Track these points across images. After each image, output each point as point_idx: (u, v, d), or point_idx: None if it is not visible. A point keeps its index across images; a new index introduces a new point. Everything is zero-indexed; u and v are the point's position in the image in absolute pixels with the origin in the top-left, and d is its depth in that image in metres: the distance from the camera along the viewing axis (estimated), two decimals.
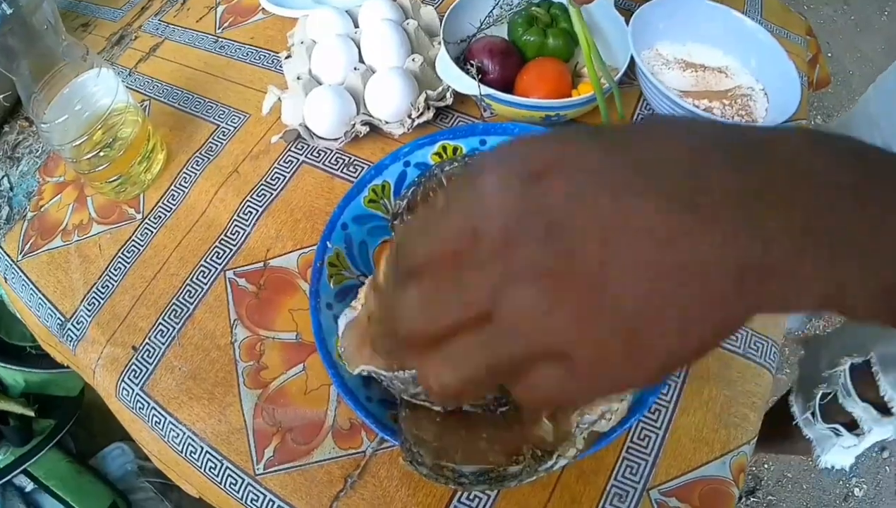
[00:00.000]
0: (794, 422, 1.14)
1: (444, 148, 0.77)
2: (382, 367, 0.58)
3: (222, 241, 0.84)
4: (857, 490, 1.88)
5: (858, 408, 0.98)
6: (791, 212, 0.28)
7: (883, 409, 0.97)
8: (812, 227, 0.28)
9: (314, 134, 0.88)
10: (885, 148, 0.30)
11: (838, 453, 1.07)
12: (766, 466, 1.91)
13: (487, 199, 0.31)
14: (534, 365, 0.31)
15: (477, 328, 0.31)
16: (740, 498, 1.85)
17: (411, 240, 0.35)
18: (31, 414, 1.22)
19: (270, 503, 0.67)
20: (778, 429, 1.30)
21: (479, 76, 0.83)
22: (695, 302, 0.28)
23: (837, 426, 1.05)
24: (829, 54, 2.80)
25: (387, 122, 0.88)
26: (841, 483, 1.89)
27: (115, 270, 0.85)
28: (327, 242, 0.72)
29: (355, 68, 0.89)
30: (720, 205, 0.28)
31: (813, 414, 1.07)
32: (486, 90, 0.81)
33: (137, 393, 0.76)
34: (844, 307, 0.29)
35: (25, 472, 1.22)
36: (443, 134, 0.77)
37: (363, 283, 0.71)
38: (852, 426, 1.04)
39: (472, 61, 0.85)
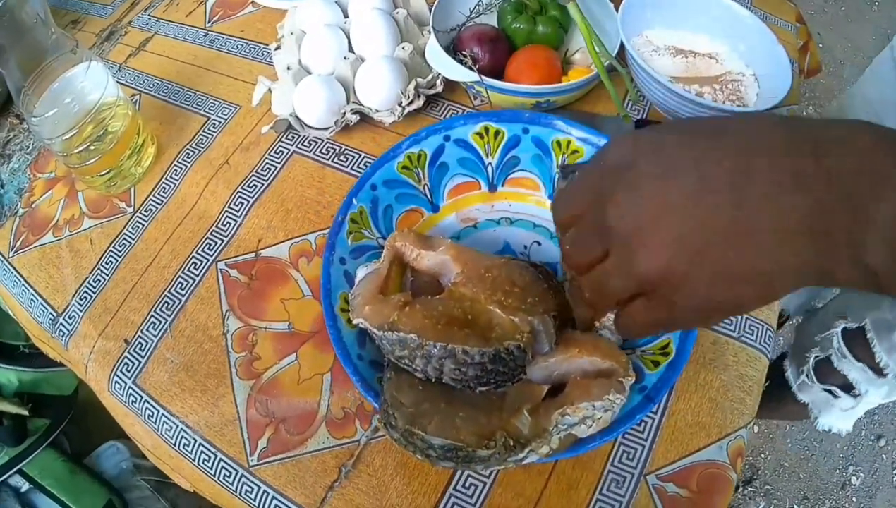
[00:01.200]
0: (789, 388, 1.15)
1: (487, 128, 0.78)
2: (375, 325, 0.59)
3: (213, 233, 0.84)
4: (853, 478, 1.88)
5: (854, 370, 0.97)
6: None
7: (878, 370, 0.96)
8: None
9: (304, 123, 0.88)
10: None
11: (837, 416, 1.07)
12: (762, 456, 1.91)
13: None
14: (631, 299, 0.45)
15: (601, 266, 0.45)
16: (737, 488, 1.86)
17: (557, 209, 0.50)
18: (25, 413, 1.21)
19: (265, 494, 0.67)
20: (769, 393, 1.31)
21: (475, 65, 0.83)
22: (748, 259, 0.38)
23: (833, 387, 1.05)
24: (821, 45, 2.81)
25: (377, 111, 0.87)
26: (838, 471, 1.90)
27: (107, 264, 0.85)
28: (353, 199, 0.73)
29: (345, 58, 0.89)
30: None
31: (807, 376, 1.07)
32: (481, 78, 0.81)
33: (130, 387, 0.76)
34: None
35: (20, 472, 1.21)
36: (488, 115, 0.77)
37: (380, 246, 0.72)
38: (847, 388, 1.04)
39: (464, 51, 0.85)
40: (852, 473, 1.89)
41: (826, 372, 1.04)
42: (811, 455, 1.92)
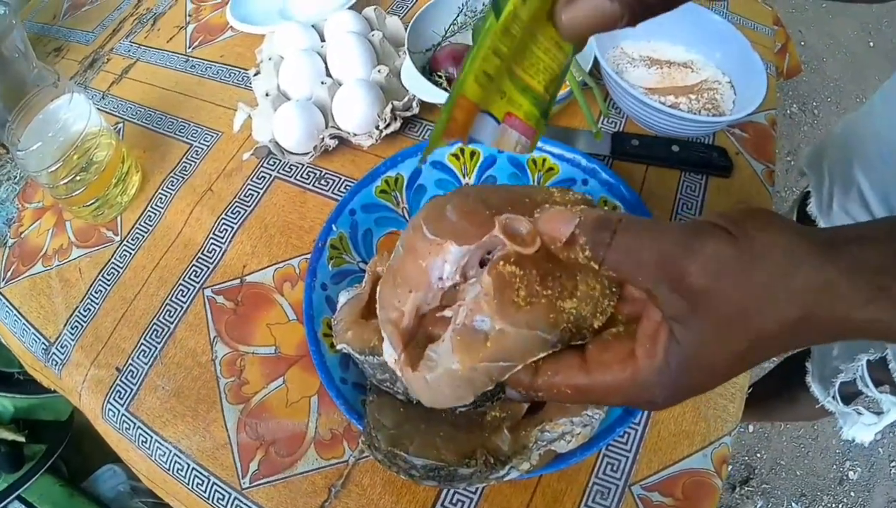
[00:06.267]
0: (806, 390, 1.16)
1: (462, 149, 0.79)
2: (357, 350, 0.59)
3: (199, 260, 0.85)
4: (851, 473, 1.89)
5: (877, 394, 0.99)
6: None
7: None
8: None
9: (284, 149, 0.89)
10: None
11: (860, 429, 1.08)
12: (758, 455, 1.92)
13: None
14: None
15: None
16: (734, 488, 1.86)
17: None
18: (22, 439, 1.22)
19: None
20: (782, 395, 1.32)
21: (450, 85, 0.84)
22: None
23: (859, 407, 1.07)
24: (802, 42, 2.82)
25: (355, 134, 0.88)
26: (835, 467, 1.90)
27: (96, 293, 0.86)
28: (332, 225, 0.74)
29: (322, 82, 0.90)
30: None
31: (833, 397, 1.09)
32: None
33: (123, 414, 0.76)
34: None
35: (19, 498, 1.22)
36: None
37: (362, 271, 0.73)
38: (871, 405, 1.06)
39: (439, 71, 0.86)
40: (849, 468, 1.90)
41: (851, 393, 1.06)
42: (807, 451, 1.92)
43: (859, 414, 1.08)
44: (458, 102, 0.42)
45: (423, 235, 0.47)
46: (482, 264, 0.46)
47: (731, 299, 0.37)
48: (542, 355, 0.44)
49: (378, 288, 0.51)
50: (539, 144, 0.75)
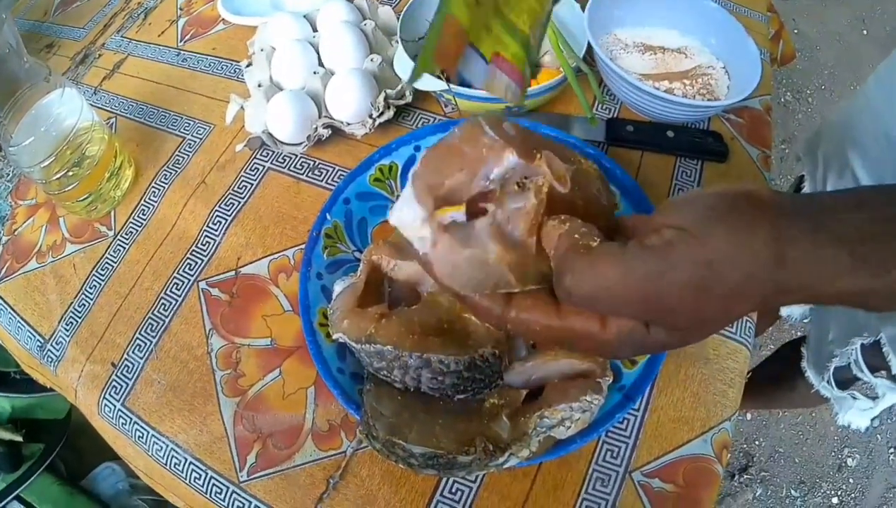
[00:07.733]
0: (802, 375, 1.16)
1: None
2: (353, 338, 0.59)
3: (193, 252, 0.85)
4: (849, 460, 1.89)
5: (872, 379, 1.00)
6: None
7: (894, 379, 0.98)
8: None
9: (277, 140, 0.89)
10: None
11: (856, 414, 1.09)
12: (756, 443, 1.92)
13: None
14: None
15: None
16: (733, 476, 1.87)
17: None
18: (20, 439, 1.21)
19: None
20: (781, 382, 1.32)
21: (443, 73, 0.83)
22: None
23: (854, 392, 1.07)
24: (796, 31, 2.82)
25: (348, 124, 0.88)
26: (833, 454, 1.91)
27: (91, 288, 0.85)
28: (327, 214, 0.74)
29: (315, 72, 0.89)
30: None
31: (828, 382, 1.09)
32: (449, 86, 0.81)
33: (119, 409, 0.76)
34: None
35: (18, 498, 1.21)
36: (456, 123, 0.77)
37: (357, 260, 0.73)
38: (866, 390, 1.06)
39: None
40: (848, 455, 1.90)
41: (846, 378, 1.06)
42: (806, 439, 1.93)
43: (854, 398, 1.08)
44: (447, 21, 0.41)
45: (484, 131, 0.46)
46: (519, 185, 0.45)
47: (699, 304, 0.39)
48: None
49: (421, 156, 0.49)
50: (534, 130, 0.74)
